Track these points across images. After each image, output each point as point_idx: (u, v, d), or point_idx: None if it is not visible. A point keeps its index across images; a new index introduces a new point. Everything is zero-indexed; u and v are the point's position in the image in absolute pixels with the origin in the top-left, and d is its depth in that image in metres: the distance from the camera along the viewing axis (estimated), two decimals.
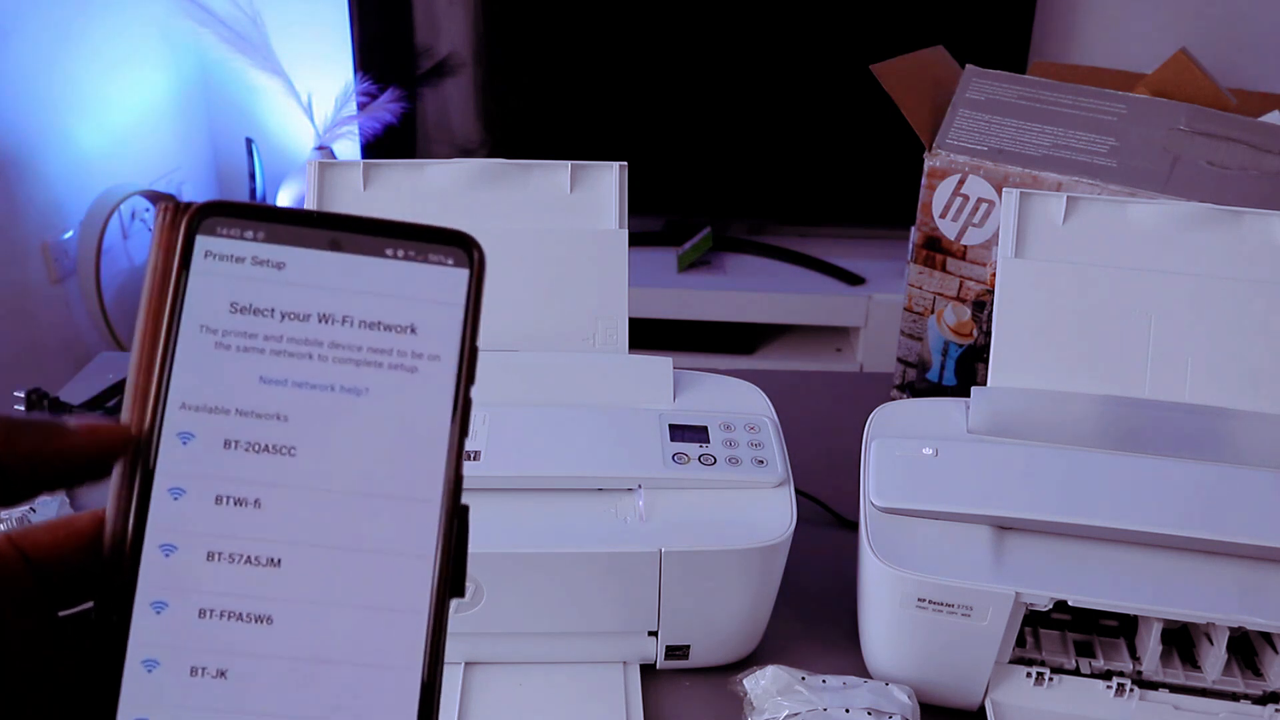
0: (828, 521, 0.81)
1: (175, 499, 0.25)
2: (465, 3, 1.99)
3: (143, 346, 0.26)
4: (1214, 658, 0.59)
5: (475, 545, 0.64)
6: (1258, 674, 0.60)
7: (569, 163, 0.74)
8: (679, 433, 0.65)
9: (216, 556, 0.25)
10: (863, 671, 0.64)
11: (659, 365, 0.71)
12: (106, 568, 0.24)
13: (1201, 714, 0.60)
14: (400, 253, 0.27)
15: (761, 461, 0.64)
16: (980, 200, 0.84)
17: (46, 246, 1.69)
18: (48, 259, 1.70)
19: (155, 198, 1.87)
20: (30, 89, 1.63)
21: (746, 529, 0.61)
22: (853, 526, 0.66)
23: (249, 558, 0.25)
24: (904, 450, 0.64)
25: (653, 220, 2.13)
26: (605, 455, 0.63)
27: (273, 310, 0.26)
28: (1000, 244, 0.71)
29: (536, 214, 0.73)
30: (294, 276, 0.26)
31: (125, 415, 0.26)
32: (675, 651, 0.65)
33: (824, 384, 1.09)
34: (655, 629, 0.63)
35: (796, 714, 0.57)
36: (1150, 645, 0.59)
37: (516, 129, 2.08)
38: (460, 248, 0.27)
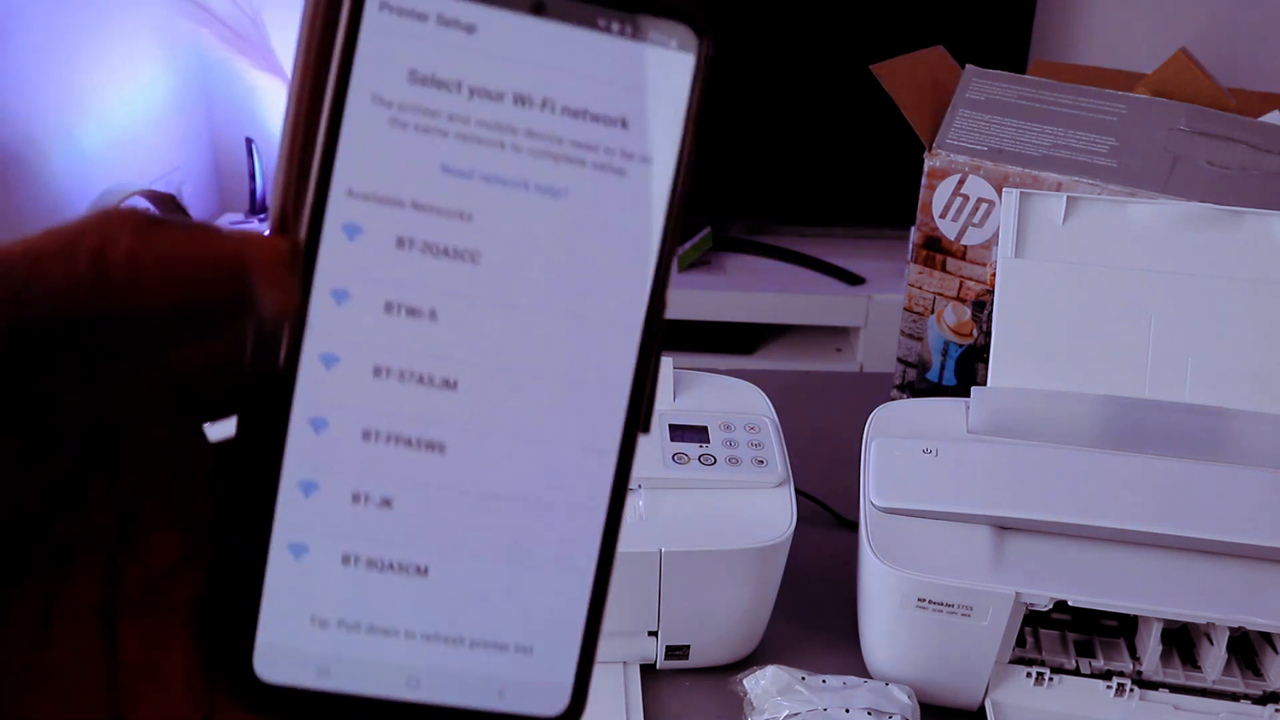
0: (828, 521, 0.81)
1: (339, 303, 0.21)
2: None
3: (297, 121, 0.21)
4: (1214, 658, 0.59)
5: None
6: (1258, 674, 0.60)
7: None
8: (679, 433, 0.65)
9: (384, 372, 0.21)
10: (863, 671, 0.64)
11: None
12: (256, 378, 0.21)
13: (1201, 714, 0.60)
14: (616, 26, 0.22)
15: (761, 461, 0.64)
16: (980, 200, 0.84)
17: None
18: None
19: (155, 197, 1.87)
20: (30, 89, 1.63)
21: (746, 529, 0.61)
22: (853, 526, 0.66)
23: (421, 376, 0.22)
24: (904, 450, 0.64)
25: None
26: None
27: (460, 84, 0.21)
28: (1000, 244, 0.71)
29: None
30: (487, 44, 0.22)
31: (275, 204, 0.21)
32: (675, 651, 0.65)
33: (824, 384, 1.09)
34: (655, 629, 0.63)
35: (796, 714, 0.57)
36: (1150, 645, 0.59)
37: None
38: (689, 26, 0.22)
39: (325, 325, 0.21)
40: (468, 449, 0.22)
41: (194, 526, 0.21)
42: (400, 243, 0.21)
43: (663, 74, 0.22)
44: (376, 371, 0.21)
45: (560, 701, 0.23)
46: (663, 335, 0.23)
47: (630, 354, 0.23)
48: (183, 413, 0.22)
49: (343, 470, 0.21)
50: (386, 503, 0.22)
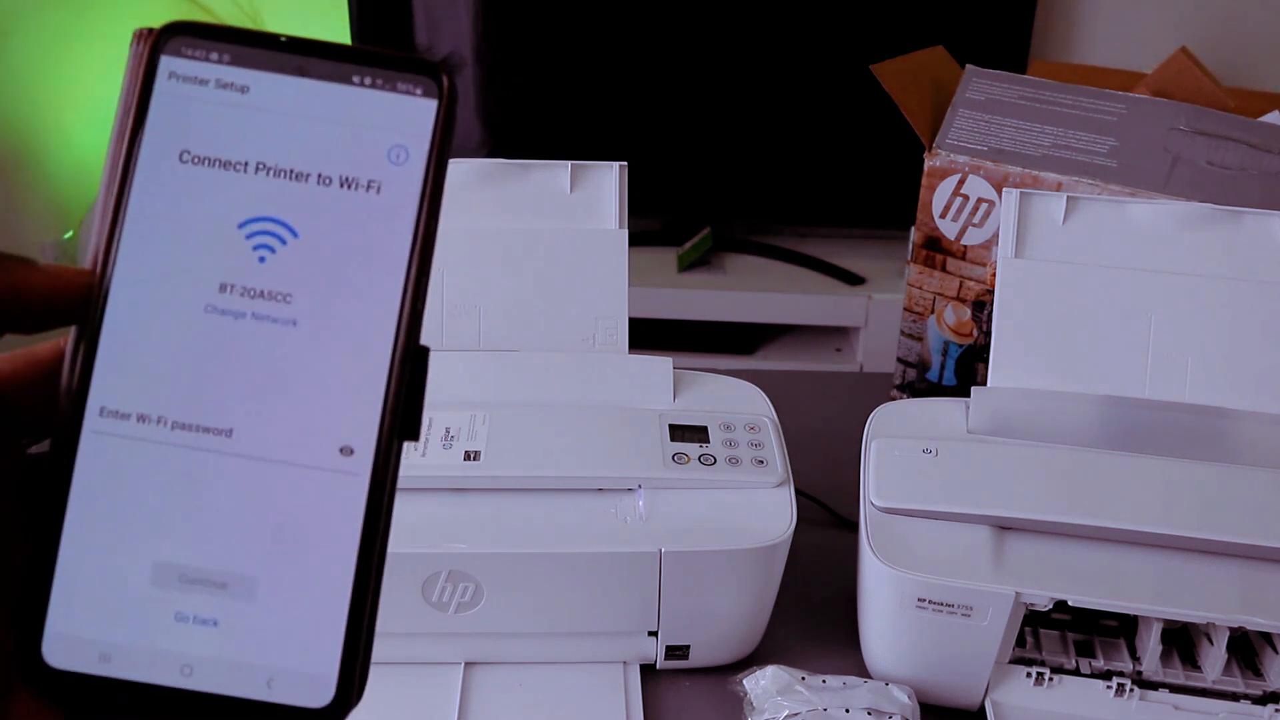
0: (828, 521, 0.81)
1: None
2: (465, 2, 1.99)
3: (108, 174, 0.25)
4: (1214, 658, 0.59)
5: (476, 545, 0.64)
6: (1258, 674, 0.60)
7: (569, 163, 0.74)
8: (679, 433, 0.65)
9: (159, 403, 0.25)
10: (863, 671, 0.64)
11: (659, 365, 0.71)
12: (64, 395, 0.25)
13: (1201, 714, 0.60)
14: (368, 80, 0.26)
15: (761, 461, 0.64)
16: (980, 200, 0.84)
17: (46, 247, 1.69)
18: (47, 259, 1.70)
19: None
20: (30, 89, 1.63)
21: (746, 529, 0.61)
22: (853, 526, 0.66)
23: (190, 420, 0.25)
24: (904, 450, 0.64)
25: (653, 220, 2.13)
26: (605, 455, 0.63)
27: (235, 134, 0.26)
28: (1000, 244, 0.71)
29: (536, 214, 0.73)
30: (258, 100, 0.26)
31: (90, 249, 0.25)
32: (675, 651, 0.65)
33: (824, 384, 1.09)
34: (655, 629, 0.63)
35: (796, 714, 0.57)
36: (1150, 645, 0.59)
37: (516, 129, 2.08)
38: (430, 77, 0.26)
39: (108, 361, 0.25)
40: (236, 453, 0.25)
41: (8, 530, 0.24)
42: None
43: (410, 116, 0.26)
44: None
45: (326, 694, 0.24)
46: (421, 353, 0.26)
47: (383, 363, 0.25)
48: (6, 436, 0.25)
49: (124, 475, 0.25)
50: (163, 502, 0.25)
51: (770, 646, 0.68)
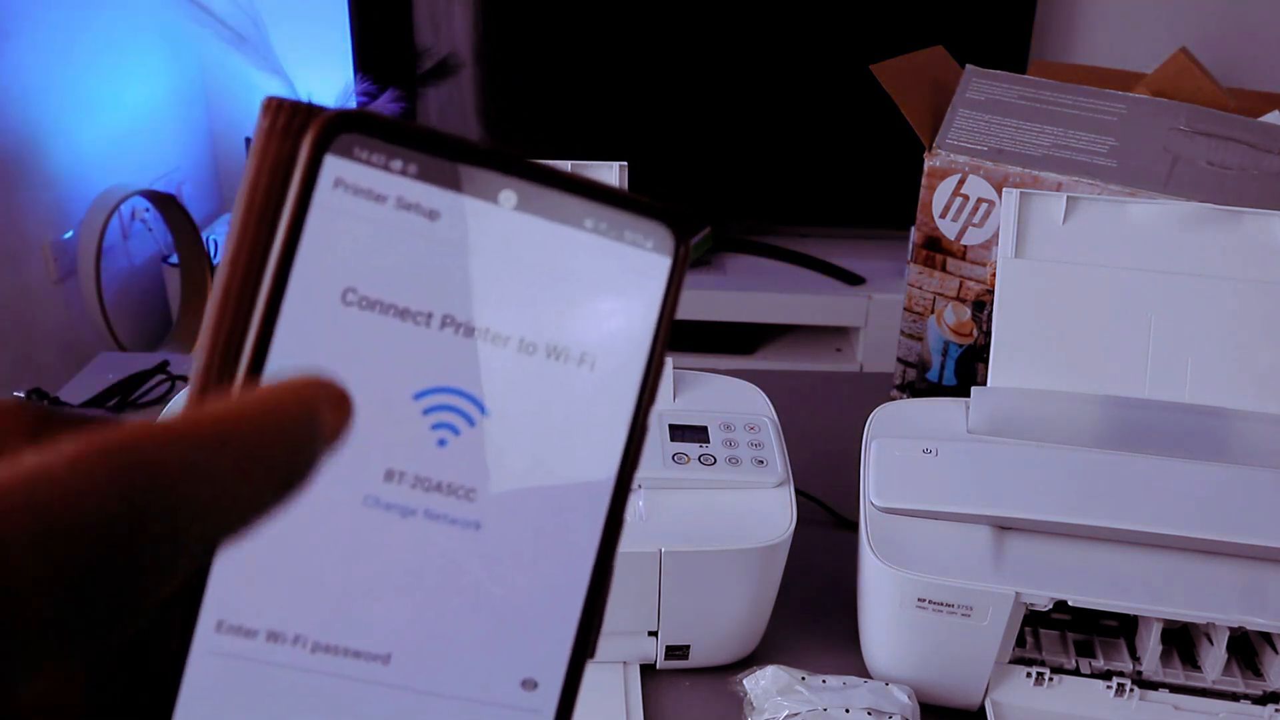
0: (828, 521, 0.81)
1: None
2: (465, 3, 1.99)
3: (230, 309, 0.19)
4: (1214, 658, 0.59)
5: None
6: (1258, 674, 0.60)
7: (569, 163, 0.74)
8: (679, 433, 0.65)
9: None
10: (863, 671, 0.64)
11: None
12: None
13: (1201, 714, 0.60)
14: (590, 222, 0.20)
15: (761, 461, 0.64)
16: (980, 200, 0.84)
17: (46, 246, 1.69)
18: (47, 259, 1.70)
19: (155, 197, 1.87)
20: (30, 89, 1.63)
21: (746, 529, 0.61)
22: (853, 526, 0.66)
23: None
24: (904, 450, 0.64)
25: None
26: None
27: (418, 274, 0.19)
28: (1000, 244, 0.71)
29: None
30: (450, 232, 0.19)
31: (197, 376, 0.19)
32: (675, 651, 0.65)
33: (824, 384, 1.09)
34: (655, 629, 0.63)
35: (796, 714, 0.57)
36: (1150, 645, 0.59)
37: (516, 129, 2.08)
38: (668, 226, 0.20)
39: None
40: (392, 684, 0.20)
41: None
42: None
43: (635, 274, 0.20)
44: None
45: None
46: (610, 565, 0.21)
47: (582, 580, 0.21)
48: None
49: (246, 711, 0.19)
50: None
51: (770, 646, 0.68)
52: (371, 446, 0.19)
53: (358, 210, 0.19)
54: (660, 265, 0.20)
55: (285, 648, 0.19)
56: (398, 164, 0.19)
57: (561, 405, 0.20)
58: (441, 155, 0.19)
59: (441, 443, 0.19)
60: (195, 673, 0.18)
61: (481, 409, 0.20)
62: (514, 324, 0.20)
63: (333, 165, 0.18)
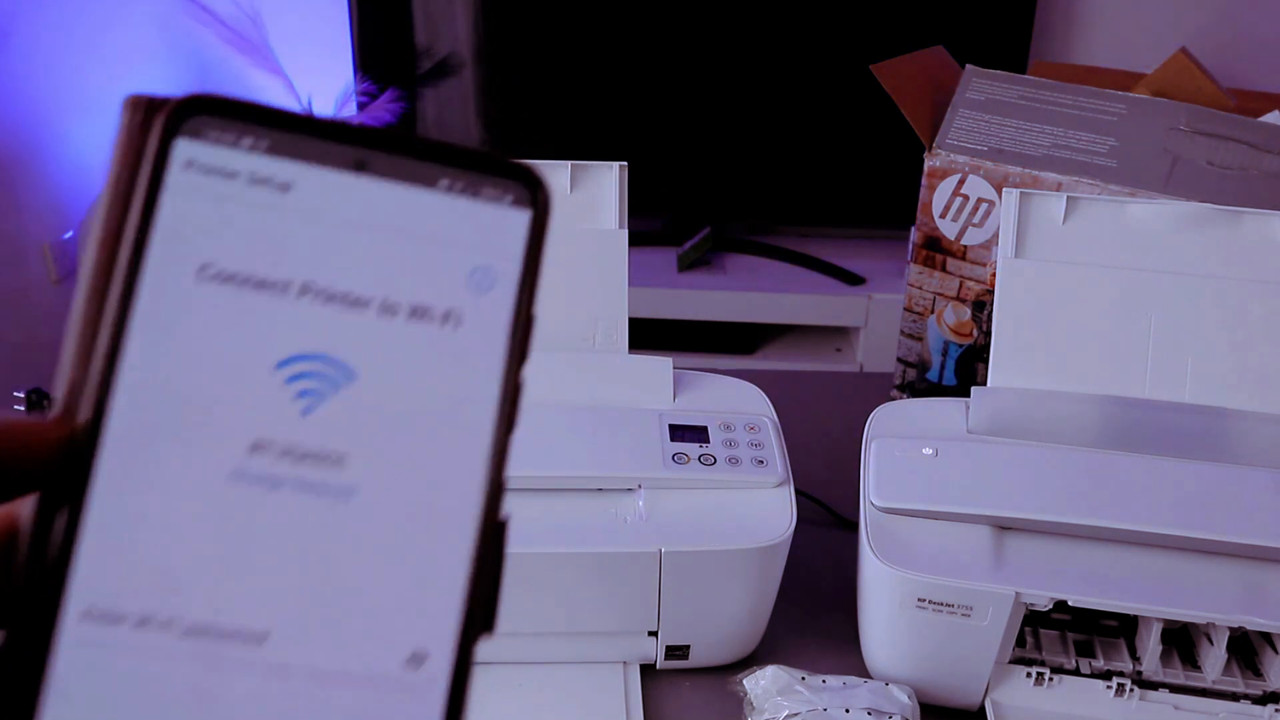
0: (828, 521, 0.81)
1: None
2: (465, 3, 1.99)
3: (90, 295, 0.19)
4: (1214, 658, 0.59)
5: None
6: (1258, 674, 0.60)
7: (569, 163, 0.74)
8: (679, 433, 0.65)
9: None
10: (863, 671, 0.64)
11: (659, 365, 0.71)
12: (23, 591, 0.18)
13: (1201, 714, 0.60)
14: (445, 182, 0.20)
15: (761, 461, 0.64)
16: (980, 200, 0.84)
17: (47, 246, 1.69)
18: (48, 259, 1.70)
19: None
20: (30, 89, 1.63)
21: (746, 529, 0.61)
22: (853, 526, 0.66)
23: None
24: (904, 450, 0.64)
25: (653, 220, 2.13)
26: (605, 455, 0.63)
27: (272, 245, 0.19)
28: (1000, 244, 0.71)
29: None
30: (303, 203, 0.20)
31: (64, 390, 0.19)
32: (675, 651, 0.65)
33: (824, 384, 1.09)
34: (655, 629, 0.63)
35: (796, 714, 0.57)
36: (1150, 645, 0.59)
37: (516, 129, 2.08)
38: (522, 182, 0.21)
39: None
40: (271, 664, 0.19)
41: None
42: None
43: (495, 231, 0.21)
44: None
45: None
46: (501, 526, 0.20)
47: (465, 546, 0.20)
48: None
49: (115, 701, 0.18)
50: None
51: (770, 646, 0.68)
52: (235, 419, 0.19)
53: (211, 189, 0.19)
54: (519, 220, 0.21)
55: (155, 633, 0.18)
56: (248, 141, 0.20)
57: (429, 366, 0.20)
58: (291, 130, 0.20)
59: (307, 410, 0.19)
60: (63, 667, 0.18)
61: (348, 374, 0.20)
62: (373, 287, 0.20)
63: (184, 148, 0.19)
